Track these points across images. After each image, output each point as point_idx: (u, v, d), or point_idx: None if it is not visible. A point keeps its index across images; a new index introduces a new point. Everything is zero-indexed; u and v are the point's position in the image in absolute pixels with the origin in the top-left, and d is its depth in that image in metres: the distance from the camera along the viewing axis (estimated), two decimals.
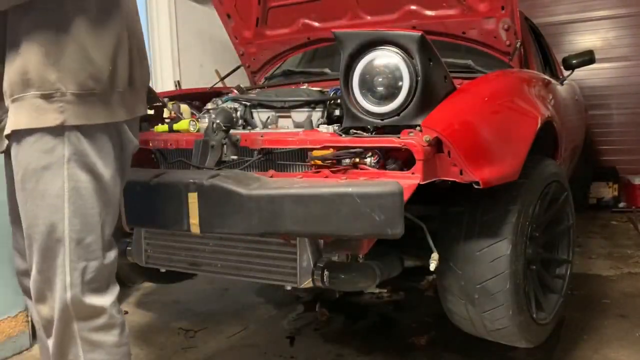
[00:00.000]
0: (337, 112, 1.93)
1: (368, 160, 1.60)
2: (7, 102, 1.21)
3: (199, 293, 3.10)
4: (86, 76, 1.19)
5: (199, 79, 3.75)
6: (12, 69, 1.18)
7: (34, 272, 1.24)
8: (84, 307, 1.24)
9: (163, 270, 2.07)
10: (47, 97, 1.17)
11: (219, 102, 2.17)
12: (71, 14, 1.18)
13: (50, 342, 1.27)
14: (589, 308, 2.64)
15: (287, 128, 1.96)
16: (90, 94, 1.20)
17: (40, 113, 1.17)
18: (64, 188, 1.20)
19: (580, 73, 3.88)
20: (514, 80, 2.22)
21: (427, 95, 1.60)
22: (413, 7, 2.53)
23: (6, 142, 1.25)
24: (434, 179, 1.57)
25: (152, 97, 2.01)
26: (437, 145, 1.54)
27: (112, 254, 1.31)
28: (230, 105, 2.06)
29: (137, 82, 1.33)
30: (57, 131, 1.19)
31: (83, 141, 1.21)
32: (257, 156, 1.80)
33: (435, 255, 1.68)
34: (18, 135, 1.20)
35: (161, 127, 2.06)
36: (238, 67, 3.10)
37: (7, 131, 1.21)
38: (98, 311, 1.26)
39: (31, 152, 1.19)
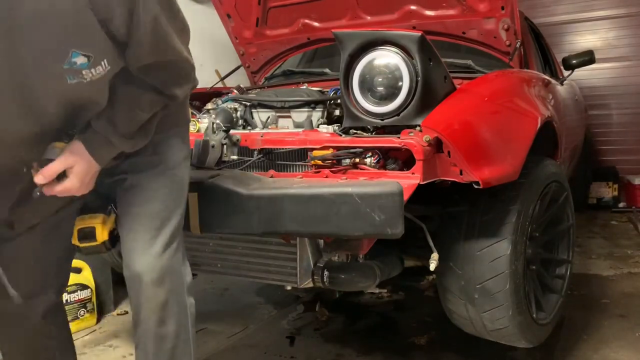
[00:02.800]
0: (337, 112, 1.93)
1: (368, 160, 1.60)
2: None
3: (199, 293, 3.07)
4: None
5: (199, 79, 3.74)
6: None
7: (158, 256, 1.33)
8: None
9: None
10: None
11: (219, 102, 2.17)
12: None
13: (169, 325, 1.37)
14: (588, 308, 2.64)
15: (287, 128, 1.96)
16: None
17: None
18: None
19: (580, 73, 3.88)
20: (514, 80, 2.22)
21: (427, 95, 1.60)
22: (413, 7, 2.52)
23: None
24: (434, 179, 1.57)
25: None
26: (437, 145, 1.54)
27: None
28: (230, 105, 2.06)
29: None
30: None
31: None
32: (257, 156, 1.79)
33: (435, 255, 1.68)
34: None
35: None
36: (238, 67, 3.10)
37: None
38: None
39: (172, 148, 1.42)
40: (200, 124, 1.98)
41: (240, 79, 3.21)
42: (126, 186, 1.37)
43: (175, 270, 1.37)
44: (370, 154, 1.60)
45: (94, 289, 2.66)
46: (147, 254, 1.33)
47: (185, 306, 1.40)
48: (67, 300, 2.59)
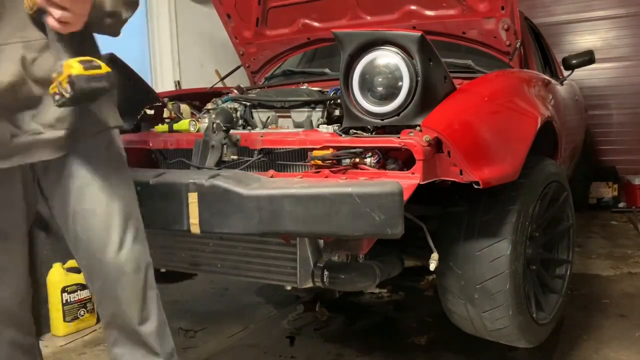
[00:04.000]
0: (337, 112, 1.93)
1: (368, 160, 1.60)
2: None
3: (199, 293, 3.10)
4: None
5: (199, 79, 3.75)
6: None
7: (120, 249, 1.39)
8: None
9: (163, 270, 2.07)
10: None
11: (219, 102, 2.17)
12: None
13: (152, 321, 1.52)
14: (589, 308, 2.64)
15: (287, 128, 1.96)
16: None
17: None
18: None
19: (580, 73, 3.88)
20: (514, 80, 2.22)
21: (427, 95, 1.60)
22: (413, 7, 2.52)
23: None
24: (434, 179, 1.57)
25: (152, 97, 2.02)
26: (437, 145, 1.54)
27: None
28: (230, 105, 2.06)
29: None
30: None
31: None
32: (257, 156, 1.80)
33: (435, 255, 1.68)
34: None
35: (161, 127, 2.06)
36: (238, 67, 3.10)
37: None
38: None
39: (120, 145, 1.47)
40: (200, 124, 1.98)
41: (240, 79, 3.21)
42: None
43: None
44: (370, 154, 1.60)
45: None
46: None
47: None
48: (67, 301, 2.59)
